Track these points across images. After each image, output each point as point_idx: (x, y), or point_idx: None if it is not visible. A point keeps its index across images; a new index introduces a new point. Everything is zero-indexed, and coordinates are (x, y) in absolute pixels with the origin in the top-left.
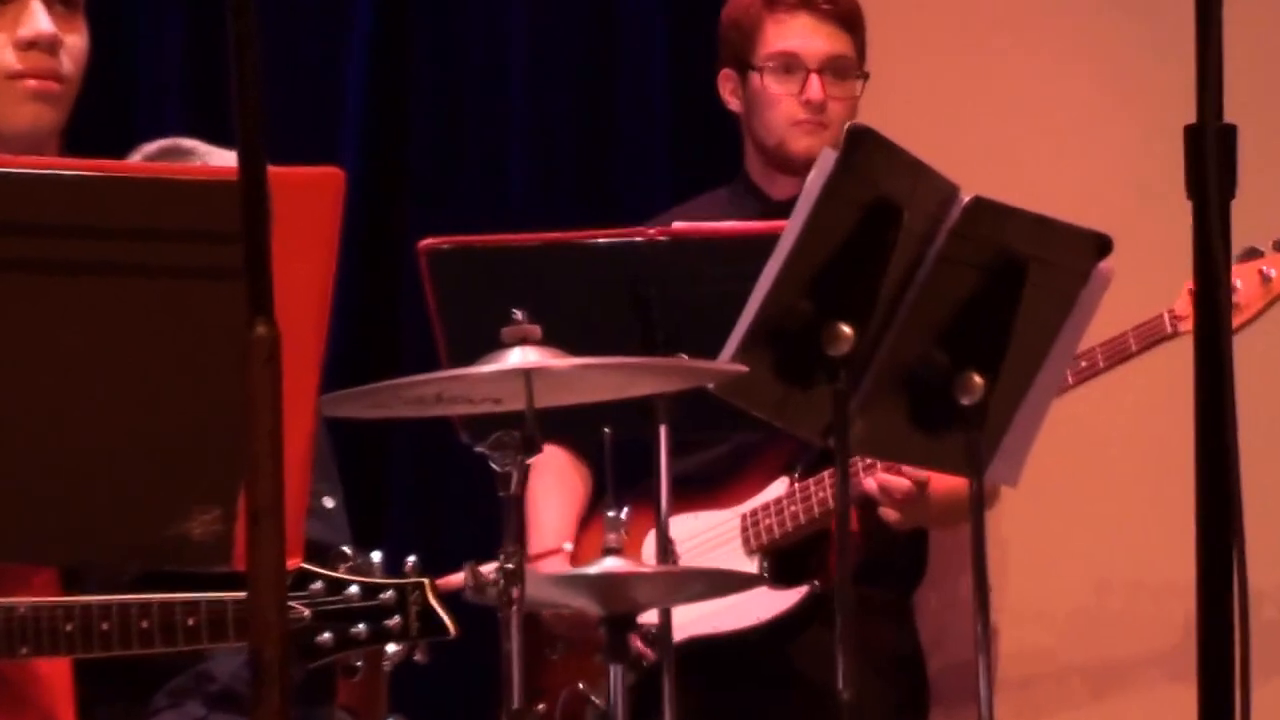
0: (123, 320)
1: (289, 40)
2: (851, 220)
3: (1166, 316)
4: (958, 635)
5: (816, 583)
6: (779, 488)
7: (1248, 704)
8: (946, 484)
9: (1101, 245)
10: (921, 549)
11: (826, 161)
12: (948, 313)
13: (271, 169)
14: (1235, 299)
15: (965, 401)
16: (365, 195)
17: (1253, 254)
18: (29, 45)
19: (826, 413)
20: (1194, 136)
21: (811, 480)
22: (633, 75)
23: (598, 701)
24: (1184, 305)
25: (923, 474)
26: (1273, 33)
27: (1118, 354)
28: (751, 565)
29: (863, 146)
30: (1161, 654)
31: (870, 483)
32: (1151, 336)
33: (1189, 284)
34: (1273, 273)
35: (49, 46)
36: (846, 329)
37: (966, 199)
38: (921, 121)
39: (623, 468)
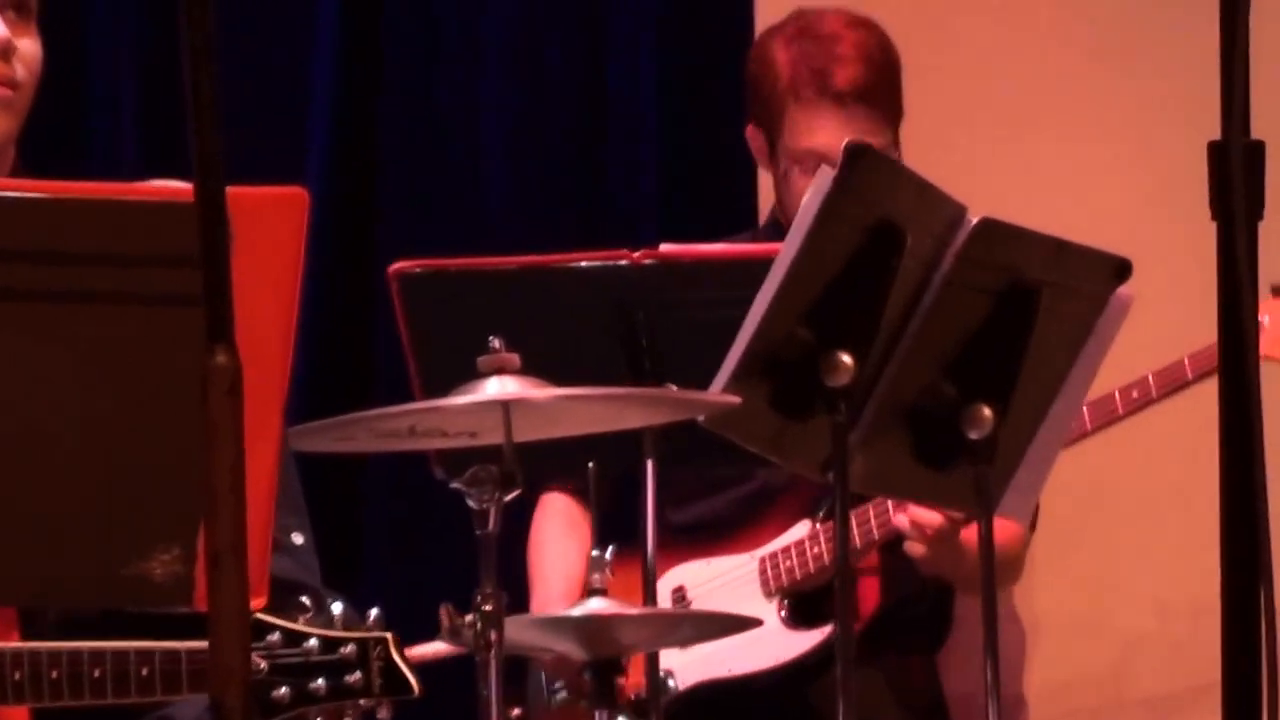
0: (76, 349)
1: (251, 49)
2: (851, 243)
3: None
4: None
5: None
6: (800, 530)
7: None
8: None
9: (1120, 269)
10: (946, 603)
11: (824, 180)
12: (955, 341)
13: (231, 189)
14: None
15: (973, 435)
16: (333, 214)
17: None
18: None
19: (825, 447)
20: (1219, 153)
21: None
22: (619, 84)
23: None
24: None
25: (958, 513)
26: None
27: (1173, 382)
28: (770, 607)
29: (862, 164)
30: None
31: (901, 518)
32: (1209, 365)
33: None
34: None
35: (2, 52)
36: (846, 358)
37: (974, 220)
38: (926, 138)
39: (633, 512)
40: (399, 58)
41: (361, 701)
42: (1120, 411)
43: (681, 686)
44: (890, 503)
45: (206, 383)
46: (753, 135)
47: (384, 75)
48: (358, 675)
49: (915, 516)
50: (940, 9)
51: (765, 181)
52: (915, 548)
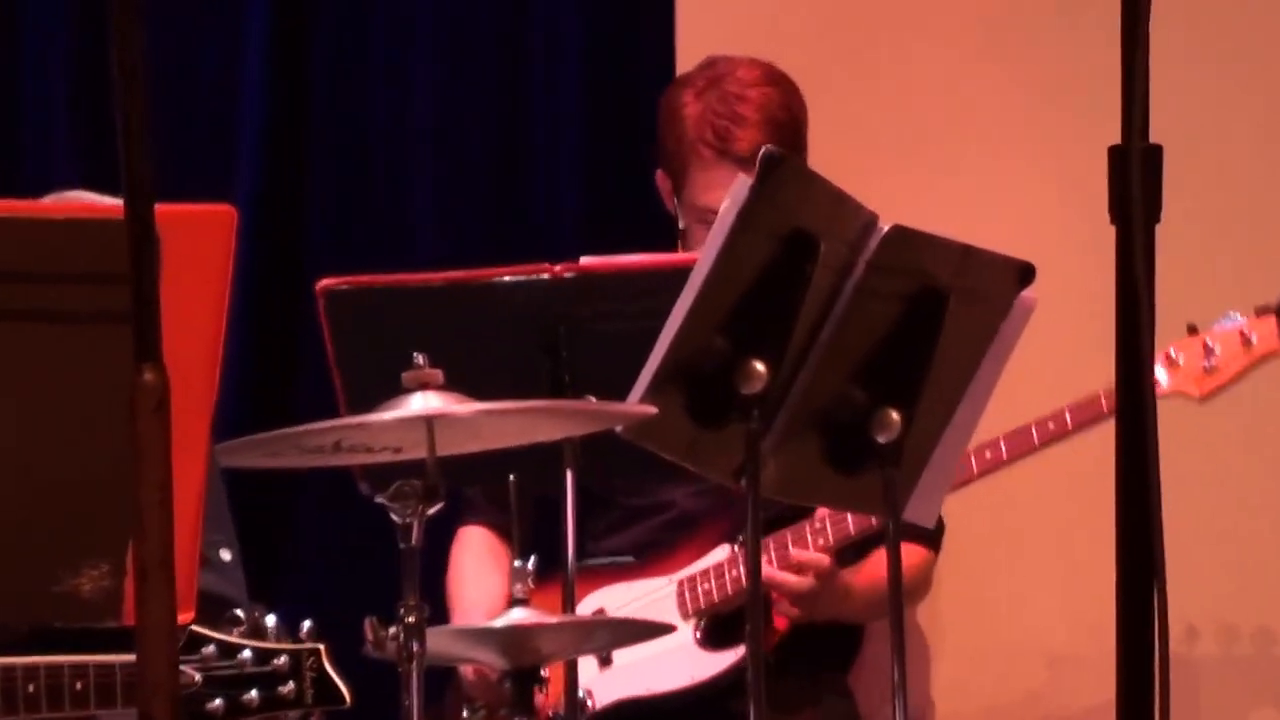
0: (1, 367)
1: (179, 63)
2: (767, 252)
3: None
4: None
5: None
6: (720, 554)
7: None
8: (870, 576)
9: (1023, 273)
10: (857, 626)
11: (740, 190)
12: (865, 347)
13: (160, 207)
14: (1213, 362)
15: (882, 439)
16: (261, 231)
17: (1232, 319)
18: None
19: (739, 454)
20: (1118, 158)
21: None
22: (544, 100)
23: None
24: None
25: (823, 560)
26: (1199, 51)
27: (1088, 416)
28: (687, 629)
29: (777, 174)
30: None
31: (767, 574)
32: None
33: (1168, 348)
34: (1255, 336)
35: None
36: (760, 366)
37: (886, 227)
38: (834, 147)
39: (552, 543)
40: (327, 79)
41: (293, 713)
42: (1037, 443)
43: (599, 705)
44: (809, 529)
45: (134, 400)
46: (661, 181)
47: (312, 95)
48: (290, 686)
49: (771, 577)
50: (842, 15)
51: None
52: (788, 609)
